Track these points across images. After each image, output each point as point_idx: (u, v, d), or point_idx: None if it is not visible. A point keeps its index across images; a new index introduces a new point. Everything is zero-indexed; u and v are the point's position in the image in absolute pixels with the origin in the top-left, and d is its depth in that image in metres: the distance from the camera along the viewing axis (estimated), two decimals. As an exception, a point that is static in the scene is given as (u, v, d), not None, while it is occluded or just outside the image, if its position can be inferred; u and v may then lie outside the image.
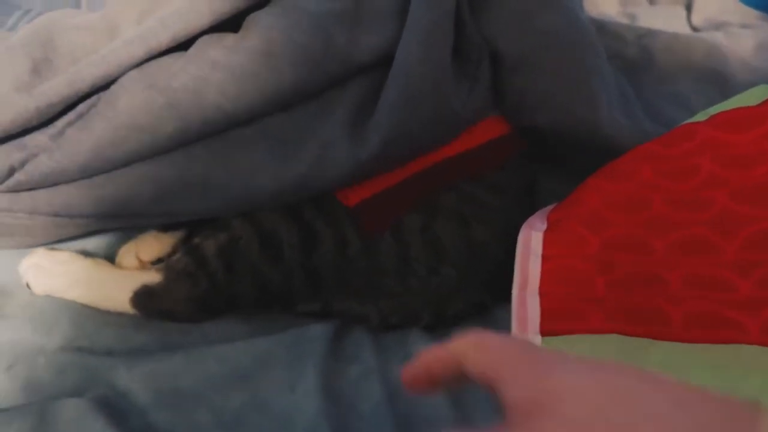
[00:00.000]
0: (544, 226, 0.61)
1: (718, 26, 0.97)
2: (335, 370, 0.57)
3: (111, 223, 0.59)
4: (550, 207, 0.65)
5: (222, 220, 0.63)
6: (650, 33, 0.88)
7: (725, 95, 0.70)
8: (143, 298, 0.60)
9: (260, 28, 0.57)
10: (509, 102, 0.68)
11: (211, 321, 0.62)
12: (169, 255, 0.64)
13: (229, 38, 0.57)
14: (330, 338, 0.59)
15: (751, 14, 1.00)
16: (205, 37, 0.58)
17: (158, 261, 0.66)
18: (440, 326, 0.62)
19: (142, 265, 0.65)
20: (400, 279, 0.62)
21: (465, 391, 0.56)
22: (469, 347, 0.29)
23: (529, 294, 0.57)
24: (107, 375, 0.55)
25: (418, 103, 0.59)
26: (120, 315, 0.61)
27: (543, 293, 0.57)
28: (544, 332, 0.55)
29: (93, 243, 0.66)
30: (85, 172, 0.55)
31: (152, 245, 0.66)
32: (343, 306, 0.62)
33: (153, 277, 0.61)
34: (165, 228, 0.67)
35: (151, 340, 0.59)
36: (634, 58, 0.86)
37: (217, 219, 0.63)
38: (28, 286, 0.61)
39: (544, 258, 0.59)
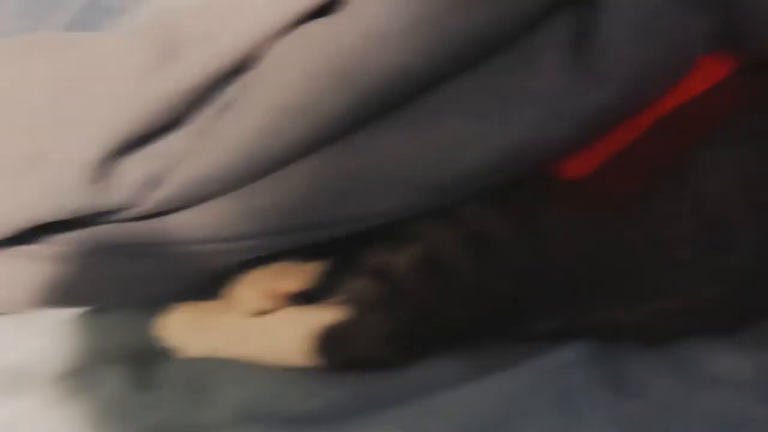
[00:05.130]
0: None
1: None
2: (621, 406, 0.39)
3: (270, 244, 0.45)
4: None
5: (403, 229, 0.47)
6: None
7: None
8: (328, 343, 0.46)
9: None
10: (751, 27, 0.51)
11: (413, 364, 0.46)
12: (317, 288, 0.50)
13: None
14: (590, 364, 0.42)
15: None
16: None
17: (295, 297, 0.51)
18: (742, 331, 0.44)
19: (268, 301, 0.49)
20: (664, 270, 0.45)
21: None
22: None
23: None
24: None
25: (655, 27, 0.44)
26: (294, 371, 0.46)
27: None
28: None
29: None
30: (238, 178, 0.42)
31: (290, 274, 0.51)
32: (594, 317, 0.45)
33: (333, 314, 0.46)
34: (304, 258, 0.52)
35: (345, 397, 0.44)
36: None
37: (389, 229, 0.48)
38: (174, 348, 0.48)
39: None
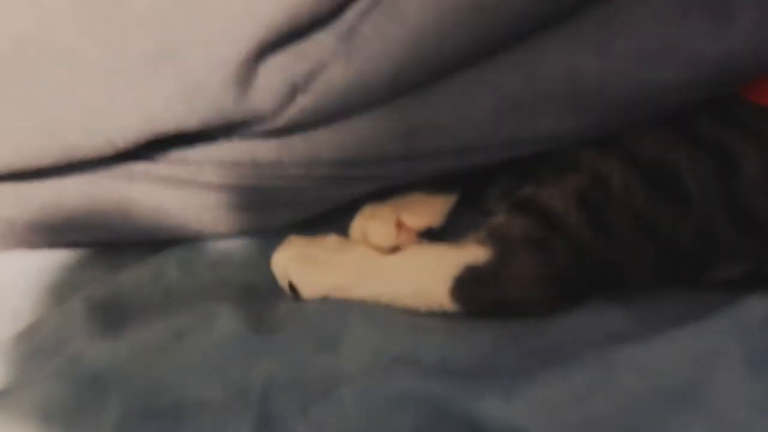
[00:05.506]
0: None
1: None
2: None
3: (413, 170, 0.39)
4: None
5: (558, 158, 0.41)
6: None
7: None
8: (470, 285, 0.40)
9: None
10: None
11: (568, 311, 0.40)
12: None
13: None
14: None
15: None
16: None
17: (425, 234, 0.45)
18: None
19: (399, 239, 0.44)
20: None
21: None
22: None
23: None
24: (466, 408, 0.34)
25: None
26: (428, 315, 0.40)
27: None
28: None
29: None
30: (386, 89, 0.36)
31: (420, 208, 0.45)
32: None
33: (477, 253, 0.40)
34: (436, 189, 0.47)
35: (495, 347, 0.38)
36: None
37: (541, 159, 0.42)
38: (291, 287, 0.42)
39: None
